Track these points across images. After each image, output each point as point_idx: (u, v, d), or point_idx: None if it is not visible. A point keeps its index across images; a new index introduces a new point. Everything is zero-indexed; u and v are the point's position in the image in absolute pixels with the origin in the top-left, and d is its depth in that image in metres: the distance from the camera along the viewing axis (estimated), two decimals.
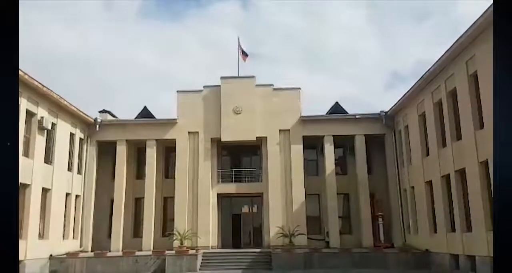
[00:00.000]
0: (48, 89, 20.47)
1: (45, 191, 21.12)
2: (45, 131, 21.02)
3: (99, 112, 27.60)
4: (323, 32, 60.34)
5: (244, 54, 27.20)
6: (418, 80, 20.71)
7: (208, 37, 59.71)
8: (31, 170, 19.45)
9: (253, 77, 26.43)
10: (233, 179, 26.77)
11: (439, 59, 18.38)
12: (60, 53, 54.67)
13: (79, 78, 55.18)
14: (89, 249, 24.38)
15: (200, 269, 21.22)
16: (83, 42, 57.10)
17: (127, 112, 39.62)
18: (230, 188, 26.42)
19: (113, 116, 28.10)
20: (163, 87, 60.17)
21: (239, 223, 27.29)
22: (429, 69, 19.36)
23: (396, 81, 60.08)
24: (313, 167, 27.43)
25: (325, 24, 60.58)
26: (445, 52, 17.80)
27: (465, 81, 16.99)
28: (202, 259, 22.11)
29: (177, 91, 26.51)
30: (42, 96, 20.59)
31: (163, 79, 59.46)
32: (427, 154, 20.91)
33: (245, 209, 27.84)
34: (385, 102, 69.09)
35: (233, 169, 27.06)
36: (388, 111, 24.85)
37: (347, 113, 26.75)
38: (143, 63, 57.45)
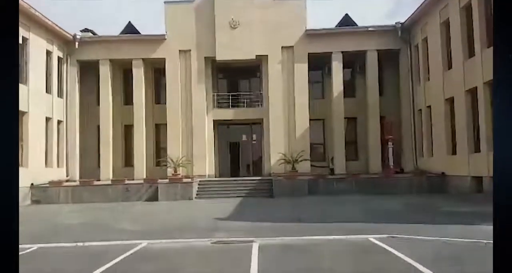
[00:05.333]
0: None
1: (20, 114, 18.86)
2: None
3: (81, 31, 24.57)
4: None
5: None
6: None
7: None
8: None
9: None
10: (231, 104, 24.47)
11: None
12: None
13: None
14: (77, 178, 22.68)
15: (195, 198, 19.65)
16: None
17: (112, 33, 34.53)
18: (227, 113, 24.19)
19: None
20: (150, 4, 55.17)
21: (238, 152, 25.43)
22: None
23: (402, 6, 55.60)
24: (318, 89, 25.05)
25: None
26: None
27: None
28: (198, 188, 20.49)
29: (165, 2, 23.32)
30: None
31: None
32: (449, 67, 18.44)
33: (244, 137, 25.81)
34: None
35: (230, 93, 24.67)
36: (405, 22, 21.95)
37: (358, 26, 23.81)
38: None
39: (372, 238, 8.63)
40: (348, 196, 17.46)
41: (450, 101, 18.42)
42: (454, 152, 18.26)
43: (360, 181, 19.64)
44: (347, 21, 24.38)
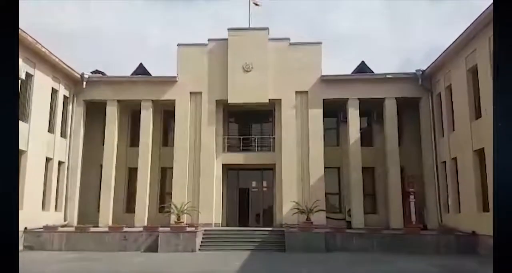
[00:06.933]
0: (20, 29, 16.95)
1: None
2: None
3: (91, 72, 24.05)
4: (334, 14, 55.78)
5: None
6: (469, 26, 16.91)
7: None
8: None
9: (266, 29, 22.61)
10: (241, 148, 23.30)
11: None
12: (61, 26, 50.91)
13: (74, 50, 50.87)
14: (75, 223, 21.17)
15: (199, 250, 17.94)
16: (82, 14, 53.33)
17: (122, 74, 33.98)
18: (238, 158, 22.93)
19: None
20: (165, 52, 55.89)
21: (247, 199, 23.88)
22: (487, 8, 15.54)
23: (410, 65, 55.70)
24: (332, 136, 23.85)
25: (337, 4, 55.76)
26: None
27: None
28: (203, 238, 18.83)
29: (178, 45, 22.83)
30: None
31: (165, 43, 55.22)
32: (477, 117, 17.21)
33: (254, 183, 24.35)
34: None
35: (241, 137, 23.56)
36: (426, 69, 21.06)
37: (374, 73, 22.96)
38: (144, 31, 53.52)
39: None
40: (370, 254, 15.75)
41: (479, 152, 17.02)
42: (485, 209, 16.60)
43: (382, 237, 17.88)
44: (363, 68, 23.61)
